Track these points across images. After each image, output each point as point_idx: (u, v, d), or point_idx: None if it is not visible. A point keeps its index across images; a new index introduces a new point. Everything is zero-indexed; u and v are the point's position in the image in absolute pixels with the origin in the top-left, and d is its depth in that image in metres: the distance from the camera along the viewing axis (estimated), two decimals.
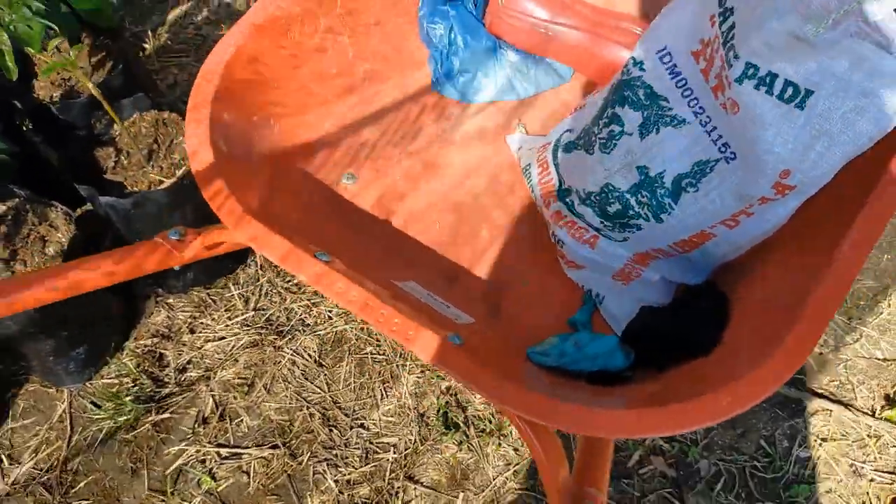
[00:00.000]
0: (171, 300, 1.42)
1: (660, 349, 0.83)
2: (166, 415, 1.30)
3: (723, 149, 0.73)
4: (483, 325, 0.86)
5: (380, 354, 1.33)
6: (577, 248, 0.89)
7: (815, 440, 1.21)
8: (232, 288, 1.42)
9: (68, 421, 1.30)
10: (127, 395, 1.30)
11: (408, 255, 0.96)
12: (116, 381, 1.33)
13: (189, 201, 1.23)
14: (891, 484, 1.17)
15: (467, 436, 1.24)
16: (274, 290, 1.41)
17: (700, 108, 0.75)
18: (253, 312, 1.39)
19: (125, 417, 1.29)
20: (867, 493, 1.17)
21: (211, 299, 1.41)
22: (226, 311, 1.40)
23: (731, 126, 0.69)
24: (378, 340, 1.34)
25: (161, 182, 1.24)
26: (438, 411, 1.27)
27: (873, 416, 1.23)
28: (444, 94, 1.10)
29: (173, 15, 1.81)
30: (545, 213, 0.93)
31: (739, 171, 0.70)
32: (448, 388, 1.29)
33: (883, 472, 1.18)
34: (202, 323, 1.39)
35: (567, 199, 0.88)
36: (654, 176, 0.78)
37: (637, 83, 0.82)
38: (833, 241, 0.70)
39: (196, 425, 1.30)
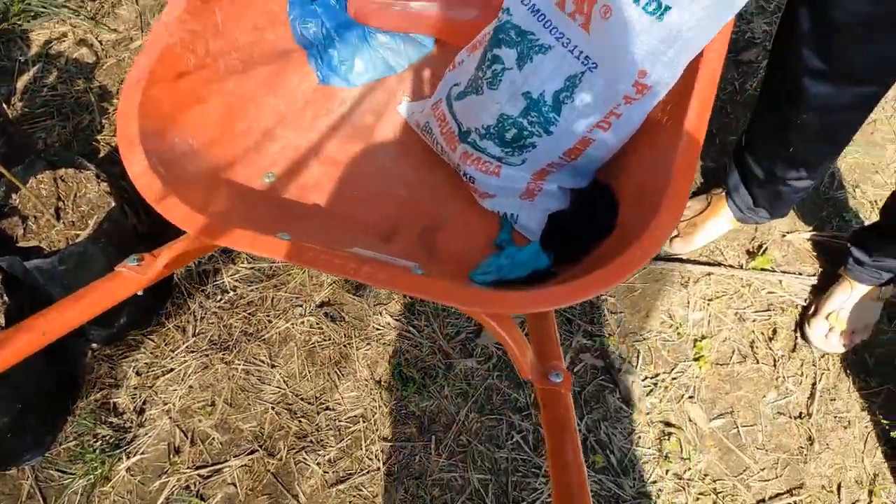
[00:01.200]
0: (108, 351, 1.44)
1: (571, 243, 1.01)
2: (137, 457, 1.34)
3: (585, 61, 0.91)
4: (427, 266, 1.00)
5: (326, 341, 1.43)
6: (485, 180, 1.05)
7: (704, 301, 1.45)
8: (166, 322, 1.47)
9: (38, 495, 1.30)
10: (92, 451, 1.32)
11: (342, 226, 1.08)
12: (77, 441, 1.34)
13: (113, 243, 1.27)
14: (767, 319, 1.43)
15: (424, 385, 1.37)
16: (208, 313, 1.47)
17: (560, 33, 0.92)
18: (194, 338, 1.44)
19: (98, 472, 1.31)
20: (752, 331, 1.42)
21: (148, 339, 1.45)
22: (166, 344, 1.44)
23: (591, 41, 0.87)
24: (321, 328, 1.44)
25: (77, 235, 1.27)
26: (393, 373, 1.39)
27: (742, 269, 1.48)
28: (332, 85, 1.22)
29: (23, 82, 1.79)
30: (453, 157, 1.07)
31: (602, 77, 0.88)
32: (395, 352, 1.41)
33: (760, 311, 1.44)
34: (146, 363, 1.43)
35: (469, 139, 1.04)
36: (536, 97, 0.95)
37: (508, 26, 0.98)
38: (677, 124, 0.90)
39: (171, 457, 1.34)
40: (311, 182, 1.13)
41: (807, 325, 1.36)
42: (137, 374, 1.42)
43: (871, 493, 1.25)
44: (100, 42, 1.90)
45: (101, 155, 1.68)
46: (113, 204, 1.30)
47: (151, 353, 1.44)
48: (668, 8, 0.81)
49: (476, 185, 1.06)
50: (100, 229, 1.26)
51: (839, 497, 1.25)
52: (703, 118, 0.89)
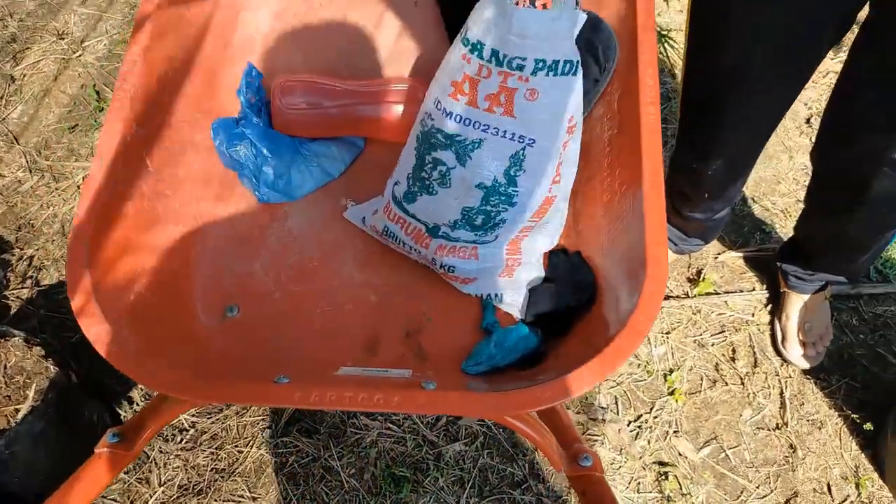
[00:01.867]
0: None
1: (558, 318, 1.02)
2: None
3: (521, 140, 0.95)
4: (421, 371, 0.98)
5: (304, 458, 1.37)
6: (465, 266, 1.05)
7: (662, 335, 1.50)
8: (127, 477, 1.35)
9: None
10: None
11: (323, 347, 1.04)
12: None
13: (62, 411, 1.17)
14: (724, 340, 1.50)
15: (417, 481, 1.34)
16: (170, 457, 1.37)
17: (485, 125, 0.95)
18: (161, 488, 1.34)
19: None
20: (714, 355, 1.48)
21: (111, 500, 1.33)
22: (131, 501, 1.33)
23: (519, 123, 0.93)
24: (297, 446, 1.37)
25: (17, 411, 1.16)
26: (383, 476, 1.34)
27: (688, 297, 1.55)
28: (273, 202, 1.19)
29: None
30: (426, 253, 1.07)
31: (542, 143, 0.94)
32: (379, 453, 1.37)
33: (716, 335, 1.51)
34: None
35: (441, 233, 1.04)
36: (490, 184, 0.97)
37: (434, 131, 1.00)
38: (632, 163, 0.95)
39: None
40: (276, 306, 1.09)
41: (784, 352, 1.45)
42: None
43: (857, 485, 1.32)
44: None
45: (14, 311, 1.55)
46: (53, 369, 1.20)
47: None
48: (578, 62, 0.91)
49: (456, 274, 1.06)
50: (45, 400, 1.15)
51: (831, 496, 1.32)
52: (657, 174, 0.94)
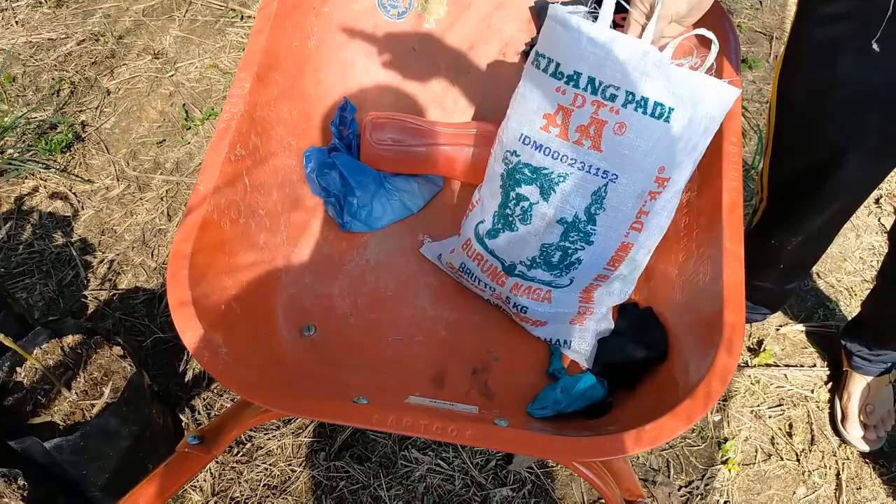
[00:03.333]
0: None
1: (626, 371, 1.04)
2: None
3: (604, 175, 0.96)
4: (487, 409, 1.01)
5: (354, 485, 1.39)
6: (538, 308, 1.07)
7: (720, 403, 1.49)
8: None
9: None
10: None
11: (392, 375, 1.07)
12: None
13: (134, 410, 1.22)
14: (781, 413, 1.48)
15: None
16: (226, 468, 1.41)
17: (572, 160, 0.97)
18: (214, 498, 1.37)
19: None
20: (770, 428, 1.46)
21: None
22: None
23: (606, 158, 0.94)
24: (348, 472, 1.39)
25: (92, 405, 1.21)
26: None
27: (748, 367, 1.54)
28: (354, 230, 1.24)
29: None
30: (502, 291, 1.10)
31: (625, 182, 0.95)
32: (427, 489, 1.38)
33: (773, 407, 1.49)
34: None
35: (517, 272, 1.07)
36: (571, 220, 1.00)
37: (520, 166, 1.03)
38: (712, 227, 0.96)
39: None
40: (351, 330, 1.13)
41: (844, 432, 1.43)
42: None
43: None
44: (74, 194, 1.87)
45: (91, 311, 1.63)
46: (131, 369, 1.25)
47: None
48: (671, 109, 0.90)
49: (528, 315, 1.09)
50: (121, 398, 1.20)
51: None
52: (737, 228, 0.96)
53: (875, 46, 0.85)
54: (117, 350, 1.28)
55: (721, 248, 0.95)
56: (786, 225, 1.21)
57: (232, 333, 0.95)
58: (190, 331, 0.87)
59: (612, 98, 0.91)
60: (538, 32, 1.16)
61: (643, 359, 1.04)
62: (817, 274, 1.72)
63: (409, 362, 1.10)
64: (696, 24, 1.22)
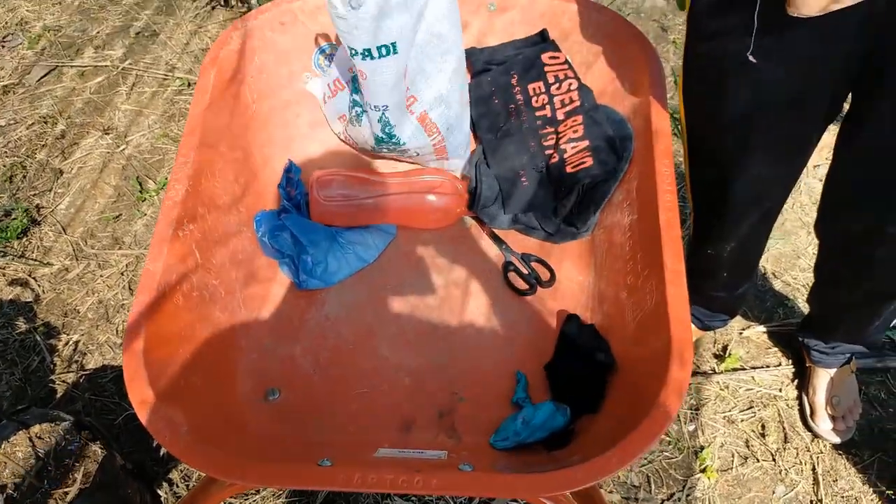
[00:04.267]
0: None
1: (584, 394, 1.06)
2: None
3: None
4: (456, 452, 1.02)
5: None
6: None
7: (692, 412, 1.52)
8: None
9: None
10: None
11: (359, 428, 1.08)
12: None
13: (109, 493, 1.21)
14: (753, 416, 1.51)
15: None
16: None
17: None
18: None
19: None
20: (744, 431, 1.49)
21: None
22: None
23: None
24: None
25: (66, 494, 1.20)
26: None
27: (715, 373, 1.57)
28: (311, 288, 1.25)
29: None
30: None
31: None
32: None
33: (744, 410, 1.52)
34: None
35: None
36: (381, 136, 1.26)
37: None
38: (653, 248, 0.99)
39: None
40: (315, 389, 1.14)
41: (814, 426, 1.45)
42: None
43: None
44: (34, 278, 1.86)
45: (60, 395, 1.61)
46: (101, 451, 1.25)
47: None
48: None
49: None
50: (93, 483, 1.19)
51: None
52: (677, 259, 0.99)
53: (751, 58, 0.89)
54: (86, 434, 1.27)
55: (662, 266, 0.98)
56: (715, 233, 1.24)
57: (192, 407, 0.95)
58: (148, 411, 0.88)
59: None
60: None
61: (595, 370, 1.07)
62: (773, 274, 1.77)
63: (375, 413, 1.11)
64: (619, 56, 1.28)
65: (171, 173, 1.09)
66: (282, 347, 1.19)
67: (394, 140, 1.26)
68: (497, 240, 1.35)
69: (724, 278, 1.34)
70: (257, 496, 1.44)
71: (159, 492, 1.45)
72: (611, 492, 1.41)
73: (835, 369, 1.44)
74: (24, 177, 2.15)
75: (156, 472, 1.47)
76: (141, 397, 0.88)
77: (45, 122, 2.33)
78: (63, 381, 1.64)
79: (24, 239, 1.96)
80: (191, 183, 1.10)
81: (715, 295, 1.40)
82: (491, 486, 0.83)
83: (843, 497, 1.39)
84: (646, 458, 1.46)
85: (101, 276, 1.86)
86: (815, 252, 1.74)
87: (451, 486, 0.82)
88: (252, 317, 1.20)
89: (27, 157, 2.21)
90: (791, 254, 1.80)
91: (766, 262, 1.78)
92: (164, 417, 0.88)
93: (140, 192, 2.07)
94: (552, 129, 1.31)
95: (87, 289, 1.83)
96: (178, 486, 1.45)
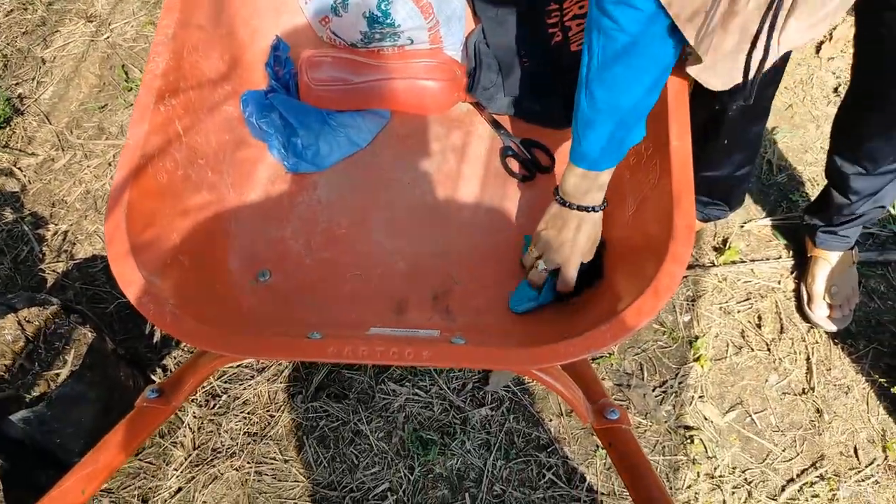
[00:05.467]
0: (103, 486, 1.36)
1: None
2: None
3: None
4: (450, 332, 1.00)
5: (334, 422, 1.40)
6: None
7: (688, 303, 1.51)
8: (162, 441, 1.39)
9: None
10: None
11: (351, 310, 1.06)
12: None
13: (98, 374, 1.21)
14: (750, 307, 1.50)
15: (444, 444, 1.36)
16: (204, 422, 1.41)
17: None
18: (195, 451, 1.38)
19: None
20: (739, 322, 1.48)
21: (147, 462, 1.38)
22: (167, 464, 1.37)
23: None
24: (326, 410, 1.40)
25: (57, 375, 1.20)
26: (411, 439, 1.37)
27: (714, 265, 1.55)
28: (302, 171, 1.21)
29: None
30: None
31: None
32: (407, 417, 1.39)
33: (741, 302, 1.51)
34: (150, 487, 1.35)
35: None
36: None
37: None
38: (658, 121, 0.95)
39: None
40: (307, 272, 1.12)
41: (810, 313, 1.44)
42: (144, 501, 1.34)
43: (884, 448, 1.32)
44: (20, 168, 1.81)
45: (50, 284, 1.60)
46: (91, 334, 1.24)
47: (153, 476, 1.36)
48: None
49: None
50: (83, 364, 1.19)
51: (858, 459, 1.32)
52: (685, 144, 0.94)
53: None
54: (75, 318, 1.26)
55: (668, 144, 0.94)
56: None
57: (180, 285, 0.93)
58: (133, 284, 0.85)
59: None
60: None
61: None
62: (778, 167, 1.72)
63: (368, 296, 1.09)
64: None
65: (152, 47, 1.03)
66: (272, 230, 1.16)
67: (389, 21, 1.19)
68: (496, 125, 1.30)
69: (725, 147, 1.27)
70: (252, 381, 1.44)
71: (154, 378, 1.45)
72: (604, 378, 1.42)
73: (837, 256, 1.42)
74: (6, 66, 2.06)
75: (149, 359, 1.48)
76: (125, 270, 0.86)
77: (25, 9, 2.21)
78: (53, 271, 1.62)
79: (8, 129, 1.90)
80: (172, 57, 1.04)
81: (714, 176, 1.35)
82: (483, 358, 0.82)
83: (835, 385, 1.40)
84: (639, 347, 1.46)
85: (87, 166, 1.81)
86: (824, 147, 1.69)
87: (443, 357, 0.81)
88: (240, 198, 1.16)
89: (7, 44, 2.11)
90: (798, 147, 1.75)
91: (773, 156, 1.73)
92: (149, 292, 0.85)
93: (126, 80, 1.99)
94: (556, 7, 1.24)
95: (73, 179, 1.79)
96: (171, 373, 1.46)
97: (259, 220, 1.16)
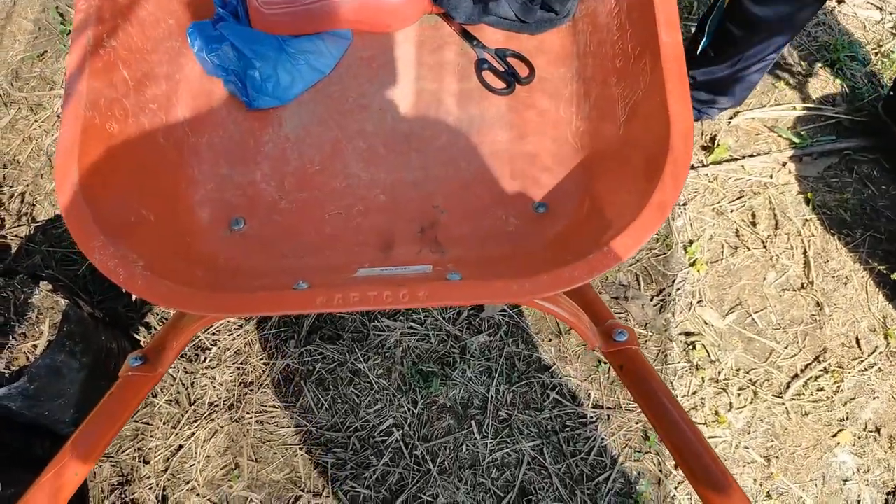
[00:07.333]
0: None
1: None
2: None
3: None
4: (441, 265, 0.95)
5: (330, 364, 1.36)
6: None
7: (680, 208, 1.46)
8: (156, 400, 1.36)
9: None
10: None
11: (336, 252, 1.00)
12: None
13: (78, 342, 1.15)
14: (743, 205, 1.46)
15: (446, 374, 1.34)
16: (197, 376, 1.37)
17: None
18: (192, 407, 1.35)
19: None
20: (734, 221, 1.45)
21: (143, 423, 1.34)
22: (164, 422, 1.34)
23: None
24: (321, 353, 1.37)
25: (34, 346, 1.14)
26: (411, 373, 1.34)
27: (704, 166, 1.50)
28: (264, 106, 1.12)
29: None
30: None
31: None
32: (405, 352, 1.36)
33: (734, 201, 1.47)
34: (151, 447, 1.32)
35: None
36: None
37: None
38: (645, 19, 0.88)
39: None
40: (283, 214, 1.05)
41: None
42: (145, 461, 1.31)
43: (886, 335, 1.31)
44: None
45: (15, 250, 1.52)
46: (63, 302, 1.17)
47: (151, 436, 1.33)
48: None
49: None
50: (61, 333, 1.13)
51: (860, 349, 1.31)
52: (675, 38, 0.87)
53: None
54: (45, 285, 1.19)
55: (657, 40, 0.87)
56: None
57: (147, 243, 0.87)
58: (97, 249, 0.79)
59: None
60: None
61: None
62: None
63: (351, 234, 1.03)
64: None
65: None
66: (240, 174, 1.08)
67: None
68: (468, 36, 1.20)
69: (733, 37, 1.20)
70: (241, 331, 1.40)
71: (137, 337, 1.40)
72: (600, 293, 1.39)
73: None
74: None
75: (130, 318, 1.42)
76: (85, 234, 0.79)
77: None
78: (16, 236, 1.54)
79: None
80: None
81: (715, 71, 1.28)
82: (484, 293, 0.77)
83: (834, 277, 1.38)
84: (633, 258, 1.42)
85: (35, 120, 1.69)
86: (806, 30, 1.61)
87: (441, 296, 0.76)
88: (201, 142, 1.08)
89: None
90: None
91: None
92: (115, 255, 0.79)
93: (62, 23, 1.84)
94: None
95: (22, 136, 1.67)
96: (155, 329, 1.41)
97: (224, 163, 1.08)
